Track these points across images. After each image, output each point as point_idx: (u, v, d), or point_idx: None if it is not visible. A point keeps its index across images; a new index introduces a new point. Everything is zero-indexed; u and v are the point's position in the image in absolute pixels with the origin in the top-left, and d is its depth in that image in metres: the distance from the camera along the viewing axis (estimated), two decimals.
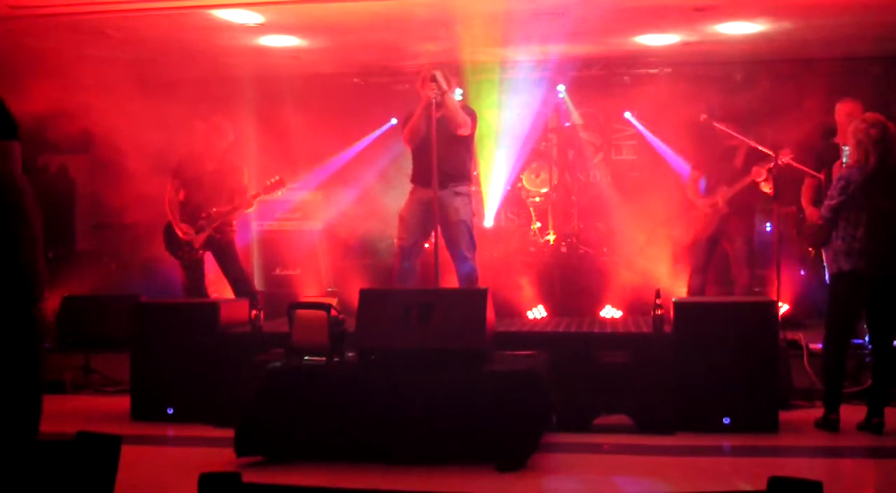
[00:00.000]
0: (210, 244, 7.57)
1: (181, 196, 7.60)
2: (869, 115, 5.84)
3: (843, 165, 6.12)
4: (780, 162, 7.10)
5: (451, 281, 6.97)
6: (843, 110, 6.97)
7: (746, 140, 7.42)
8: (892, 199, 5.70)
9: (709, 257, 7.71)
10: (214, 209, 7.48)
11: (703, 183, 7.81)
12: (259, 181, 7.84)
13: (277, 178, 7.66)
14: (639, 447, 5.42)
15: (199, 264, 7.62)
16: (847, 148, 6.04)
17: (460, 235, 6.69)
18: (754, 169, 7.39)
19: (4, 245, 2.73)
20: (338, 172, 10.16)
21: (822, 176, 6.89)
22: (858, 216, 5.67)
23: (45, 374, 2.78)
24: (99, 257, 10.18)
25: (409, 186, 7.02)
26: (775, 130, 8.12)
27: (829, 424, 5.64)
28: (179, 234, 7.51)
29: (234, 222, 7.75)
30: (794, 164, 7.07)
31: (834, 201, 5.71)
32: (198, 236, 7.50)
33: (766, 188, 7.41)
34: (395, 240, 6.93)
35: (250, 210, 7.84)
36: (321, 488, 2.70)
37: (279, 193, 7.81)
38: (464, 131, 6.63)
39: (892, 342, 5.82)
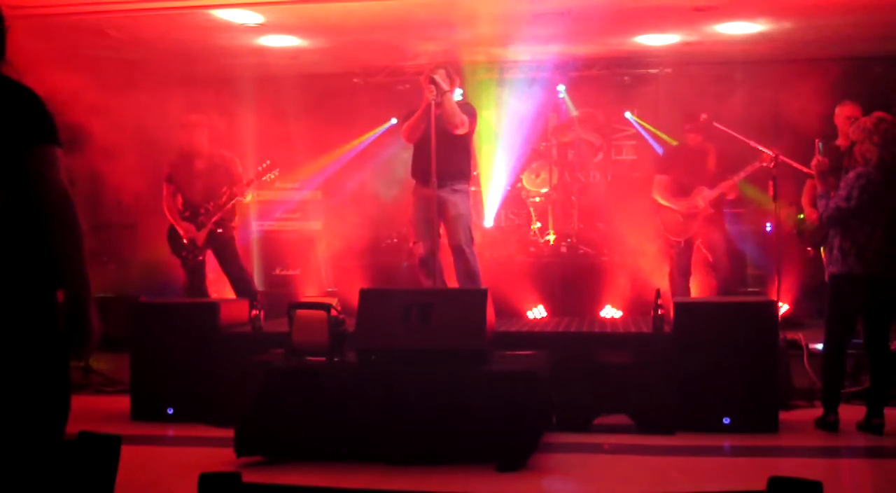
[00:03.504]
0: (212, 241, 7.58)
1: (179, 200, 7.63)
2: (882, 114, 5.76)
3: (848, 166, 6.06)
4: (761, 165, 7.19)
5: (453, 279, 6.98)
6: (843, 113, 6.96)
7: (747, 141, 7.43)
8: None
9: (689, 258, 7.74)
10: (212, 204, 7.51)
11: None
12: (247, 172, 7.84)
13: (268, 162, 7.68)
14: (639, 447, 5.42)
15: (201, 267, 7.64)
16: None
17: (459, 229, 6.75)
18: (723, 184, 7.51)
19: (48, 262, 2.68)
20: (338, 171, 10.16)
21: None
22: (877, 217, 5.58)
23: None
24: (99, 257, 10.17)
25: (409, 186, 7.06)
26: (775, 131, 8.12)
27: (827, 424, 5.64)
28: (182, 233, 7.52)
29: (235, 219, 7.77)
30: (791, 163, 7.08)
31: (853, 202, 5.57)
32: (200, 233, 7.52)
33: (730, 196, 7.72)
34: (410, 243, 7.00)
35: (247, 198, 7.83)
36: (321, 488, 2.69)
37: (271, 175, 7.79)
38: (460, 131, 6.68)
39: (888, 343, 5.82)
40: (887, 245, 5.61)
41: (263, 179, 7.78)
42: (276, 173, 7.85)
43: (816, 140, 6.13)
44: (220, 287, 8.01)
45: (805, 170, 7.02)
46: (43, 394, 2.57)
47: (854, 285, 5.66)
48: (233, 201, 7.60)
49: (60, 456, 2.29)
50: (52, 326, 2.60)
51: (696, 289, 7.88)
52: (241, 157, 8.09)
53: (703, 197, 7.59)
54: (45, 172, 2.64)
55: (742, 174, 7.47)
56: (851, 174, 5.69)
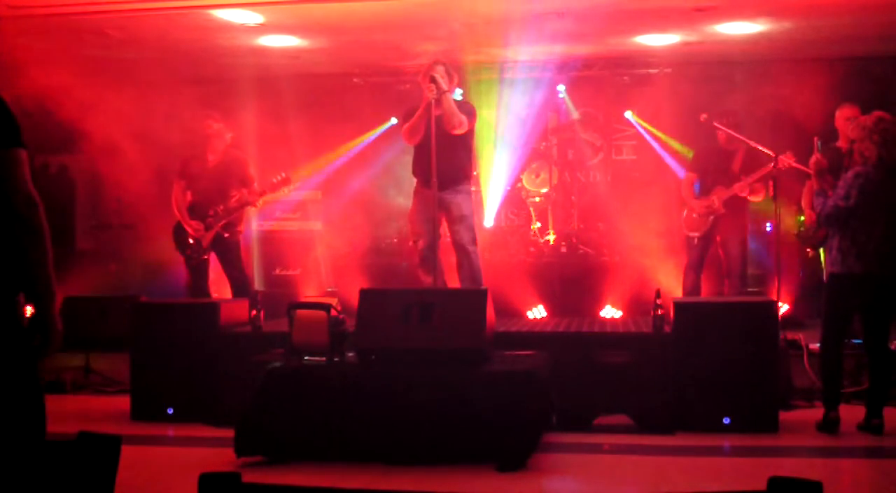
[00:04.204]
0: (217, 243, 7.57)
1: (189, 197, 7.61)
2: (882, 113, 5.75)
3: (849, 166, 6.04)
4: (779, 166, 7.16)
5: (453, 279, 7.00)
6: (843, 115, 6.96)
7: (747, 141, 7.43)
8: None
9: (703, 255, 7.79)
10: (221, 207, 7.49)
11: (696, 184, 7.87)
12: (261, 180, 7.83)
13: (283, 175, 7.66)
14: (639, 447, 5.42)
15: (204, 266, 7.63)
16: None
17: (463, 229, 6.80)
18: (736, 185, 7.53)
19: (13, 265, 2.67)
20: (338, 171, 10.16)
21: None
22: (876, 216, 5.58)
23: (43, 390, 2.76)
24: (99, 256, 10.18)
25: (409, 185, 7.08)
26: (775, 131, 8.12)
27: (828, 423, 5.61)
28: (189, 231, 7.50)
29: (242, 223, 7.76)
30: (796, 165, 7.08)
31: (851, 201, 5.56)
32: (207, 234, 7.50)
33: (755, 199, 7.66)
34: (410, 242, 7.04)
35: (256, 207, 7.84)
36: (321, 488, 2.69)
37: (285, 190, 7.80)
38: (459, 131, 6.68)
39: (887, 343, 5.81)
40: (886, 244, 5.60)
41: (278, 192, 7.77)
42: (292, 188, 7.84)
43: (815, 138, 6.13)
44: (221, 287, 8.01)
45: (806, 170, 7.02)
46: (18, 396, 2.58)
47: (853, 284, 5.65)
48: (243, 208, 7.59)
49: (48, 457, 2.29)
50: (19, 327, 2.63)
51: (708, 289, 7.89)
52: (244, 150, 8.09)
53: (718, 196, 7.63)
54: (12, 175, 2.64)
55: (753, 177, 7.47)
56: (850, 173, 5.67)
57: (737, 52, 9.24)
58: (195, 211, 7.56)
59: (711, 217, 7.66)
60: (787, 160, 7.11)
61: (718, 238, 7.76)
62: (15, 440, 2.54)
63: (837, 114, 7.06)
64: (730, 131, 7.55)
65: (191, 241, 7.53)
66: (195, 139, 7.74)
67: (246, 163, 7.69)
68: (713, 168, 7.77)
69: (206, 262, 7.63)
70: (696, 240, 7.76)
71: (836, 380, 5.73)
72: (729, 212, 7.63)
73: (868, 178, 5.59)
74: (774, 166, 7.13)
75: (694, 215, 7.75)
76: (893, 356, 5.88)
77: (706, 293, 7.84)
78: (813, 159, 5.97)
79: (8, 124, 2.67)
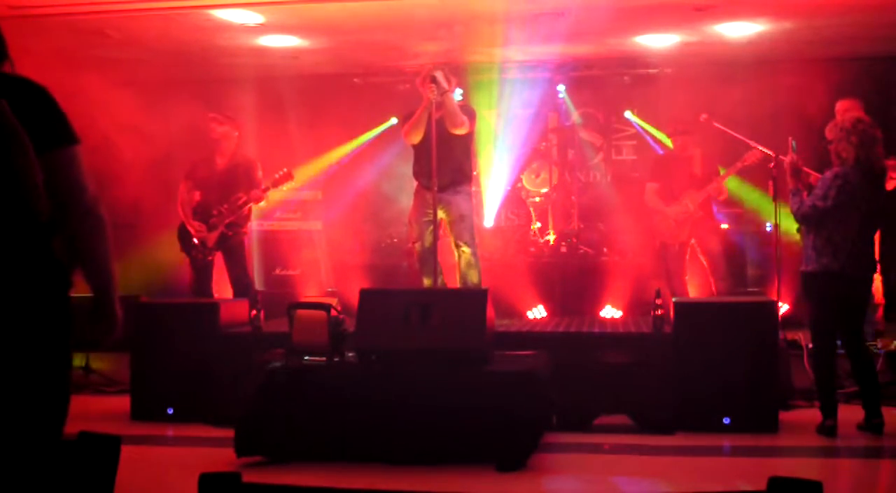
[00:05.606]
0: (222, 243, 7.56)
1: (197, 197, 7.60)
2: (860, 115, 5.80)
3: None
4: (745, 163, 7.43)
5: (453, 280, 7.00)
6: (843, 108, 7.02)
7: (747, 141, 7.47)
8: (878, 200, 5.71)
9: (682, 261, 7.88)
10: (226, 206, 7.49)
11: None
12: (264, 177, 7.84)
13: (285, 170, 7.69)
14: (639, 447, 5.42)
15: (209, 267, 7.63)
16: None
17: (463, 229, 6.81)
18: (708, 186, 7.73)
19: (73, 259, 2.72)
20: (338, 171, 10.15)
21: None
22: (853, 216, 5.60)
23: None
24: None
25: (409, 186, 7.09)
26: (776, 131, 8.12)
27: (825, 430, 5.58)
28: (192, 232, 7.50)
29: (248, 224, 7.76)
30: (763, 150, 7.22)
31: (830, 202, 5.58)
32: (210, 234, 7.50)
33: (721, 197, 7.94)
34: (409, 244, 7.06)
35: (262, 204, 7.85)
36: (321, 488, 2.69)
37: (286, 186, 7.81)
38: (460, 131, 6.70)
39: (863, 341, 5.81)
40: (862, 244, 5.63)
41: (280, 187, 7.78)
42: (293, 184, 7.87)
43: (790, 138, 6.18)
44: (221, 288, 8.01)
45: (806, 170, 7.02)
46: (46, 389, 2.58)
47: (830, 280, 5.64)
48: (248, 206, 7.59)
49: (60, 455, 2.30)
50: (68, 320, 2.63)
51: (695, 292, 7.91)
52: (252, 153, 8.08)
53: (692, 200, 7.73)
54: (76, 171, 2.67)
55: (726, 174, 7.72)
56: (828, 174, 5.70)
57: (737, 53, 9.23)
58: (199, 213, 7.56)
59: (688, 222, 7.79)
60: (755, 156, 7.30)
61: (695, 242, 7.88)
62: (34, 434, 2.53)
63: (837, 107, 7.14)
64: (731, 132, 7.62)
65: (195, 242, 7.53)
66: (202, 142, 7.73)
67: (254, 166, 7.68)
68: (676, 174, 7.91)
69: (211, 263, 7.64)
70: (675, 247, 7.85)
71: (831, 388, 5.69)
72: (701, 214, 7.80)
73: (846, 179, 5.61)
74: (775, 164, 7.17)
75: (670, 222, 7.86)
76: (871, 354, 5.91)
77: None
78: (788, 159, 6.01)
79: (62, 122, 2.72)
